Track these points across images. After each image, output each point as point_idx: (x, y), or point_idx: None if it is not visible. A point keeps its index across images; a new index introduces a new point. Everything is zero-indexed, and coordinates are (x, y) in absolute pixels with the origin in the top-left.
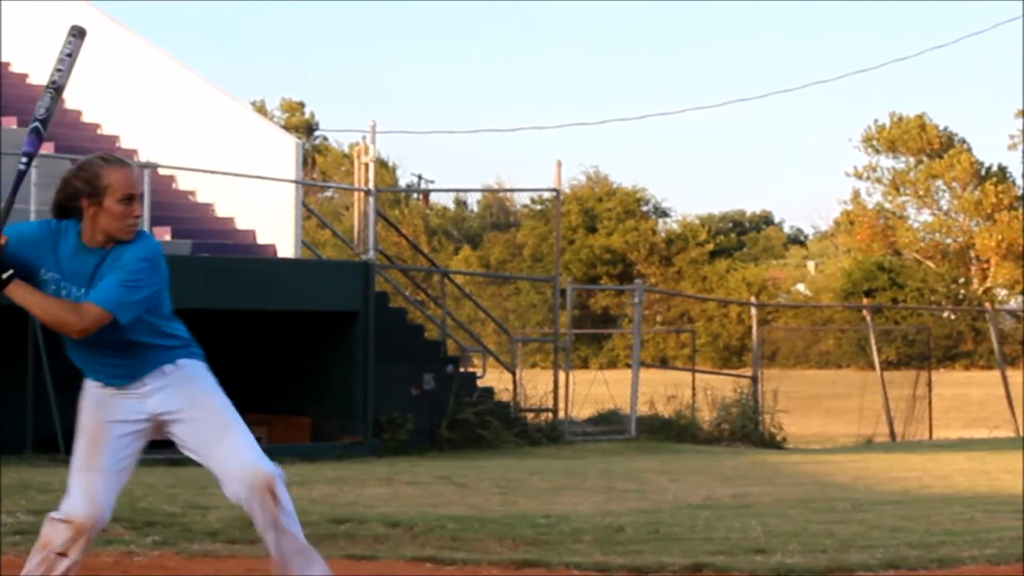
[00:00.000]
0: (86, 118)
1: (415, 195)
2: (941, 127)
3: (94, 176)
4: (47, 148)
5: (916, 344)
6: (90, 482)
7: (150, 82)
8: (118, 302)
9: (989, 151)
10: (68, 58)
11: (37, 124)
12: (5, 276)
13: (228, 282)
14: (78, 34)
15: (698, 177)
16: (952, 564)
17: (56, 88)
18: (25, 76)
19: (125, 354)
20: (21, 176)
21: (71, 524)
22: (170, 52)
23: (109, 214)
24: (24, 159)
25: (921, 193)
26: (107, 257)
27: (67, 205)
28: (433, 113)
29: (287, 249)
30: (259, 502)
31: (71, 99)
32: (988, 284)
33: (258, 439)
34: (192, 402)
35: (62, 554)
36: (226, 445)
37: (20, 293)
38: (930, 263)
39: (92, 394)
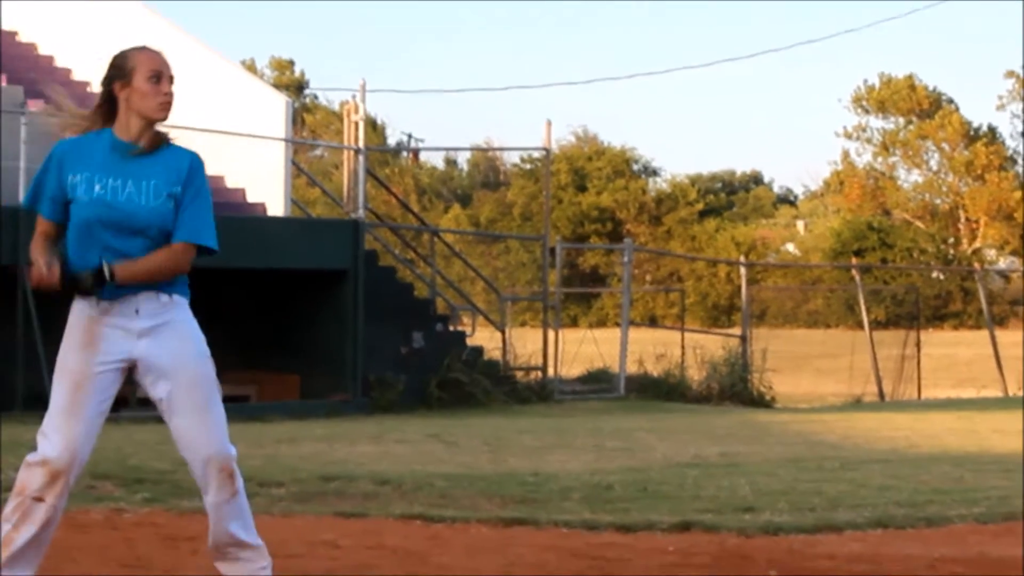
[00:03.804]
0: (76, 76)
1: (404, 154)
2: (930, 87)
3: (122, 59)
4: (37, 106)
5: (905, 304)
6: (71, 425)
7: (140, 41)
8: (210, 231)
9: (978, 111)
10: None
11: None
12: (106, 272)
13: (218, 241)
14: None
15: (688, 137)
16: (940, 523)
17: None
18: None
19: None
20: None
21: (48, 467)
22: (159, 10)
23: (139, 93)
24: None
25: (911, 153)
26: (159, 161)
27: (106, 99)
28: (423, 72)
29: (277, 208)
30: (216, 484)
31: (63, 59)
32: (977, 244)
33: (247, 397)
34: (181, 363)
35: (39, 499)
36: (201, 420)
37: (126, 273)
38: (920, 223)
39: (79, 327)
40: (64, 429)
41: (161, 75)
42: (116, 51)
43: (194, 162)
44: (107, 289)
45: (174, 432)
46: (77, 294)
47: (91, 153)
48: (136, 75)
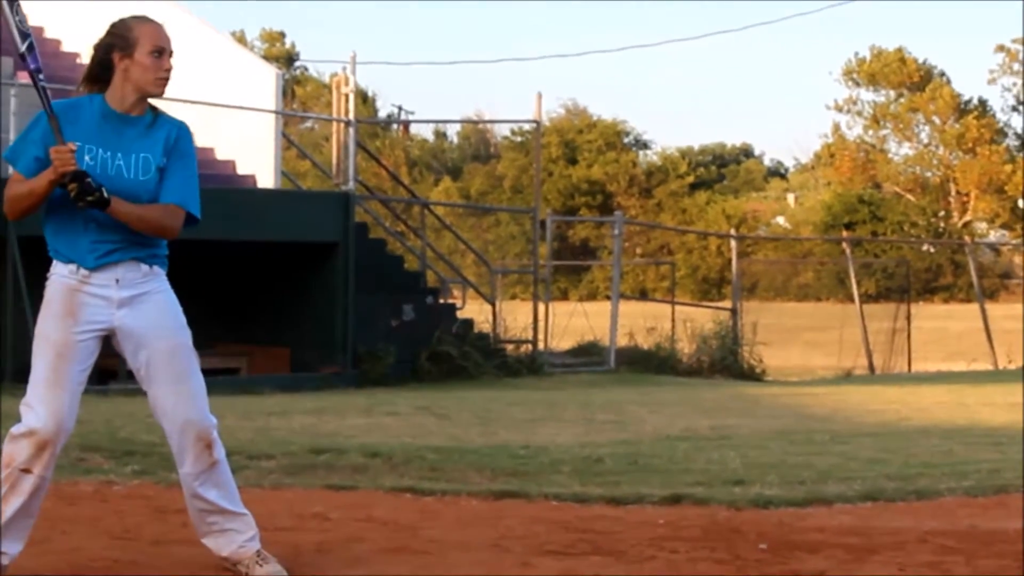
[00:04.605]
0: (65, 47)
1: (395, 126)
2: (921, 60)
3: (124, 29)
4: (26, 77)
5: (896, 277)
6: (55, 395)
7: (131, 11)
8: (196, 200)
9: (969, 84)
10: None
11: (31, 40)
12: (107, 195)
13: (208, 213)
14: None
15: (679, 109)
16: (930, 496)
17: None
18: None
19: (116, 229)
20: (45, 90)
21: (34, 438)
22: None
23: (140, 66)
24: (40, 75)
25: (902, 126)
26: (148, 130)
27: (100, 65)
28: (413, 44)
29: (267, 180)
30: (194, 455)
31: (50, 29)
32: (968, 217)
33: (237, 370)
34: (158, 333)
35: (26, 470)
36: (178, 389)
37: (119, 208)
38: (910, 196)
39: (59, 297)
40: (48, 399)
41: (163, 51)
42: (116, 19)
43: (181, 130)
44: (97, 257)
45: (152, 402)
46: (72, 190)
47: (83, 120)
48: (138, 48)
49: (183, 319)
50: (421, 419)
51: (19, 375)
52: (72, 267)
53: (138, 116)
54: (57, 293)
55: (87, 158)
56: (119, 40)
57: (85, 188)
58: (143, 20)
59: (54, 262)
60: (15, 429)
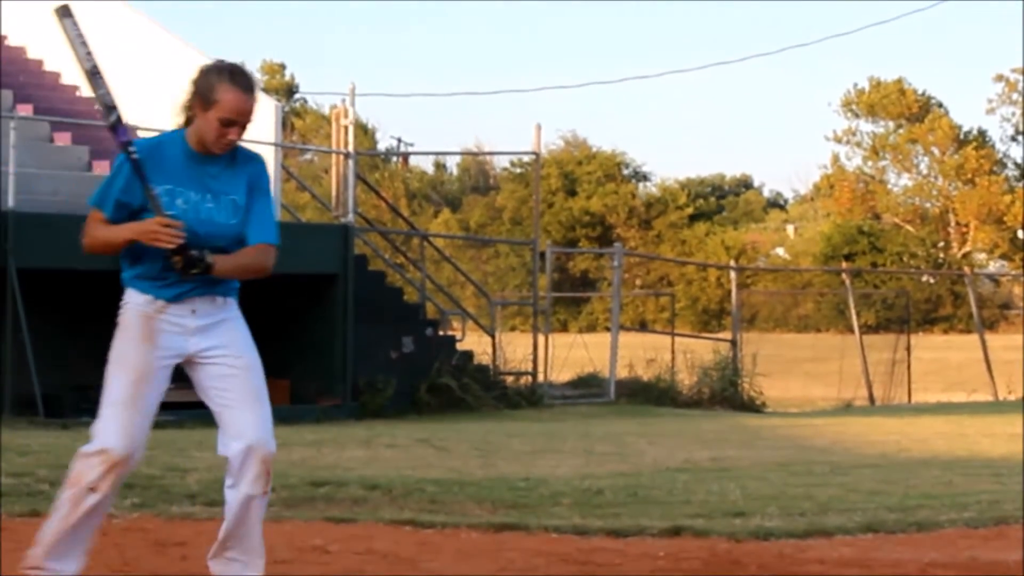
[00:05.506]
0: (64, 80)
1: (394, 158)
2: (920, 91)
3: (208, 87)
4: (26, 110)
5: (895, 308)
6: (130, 417)
7: (129, 45)
8: (277, 231)
9: (967, 115)
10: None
11: (118, 114)
12: (209, 260)
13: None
14: (66, 14)
15: (678, 141)
16: (930, 527)
17: (95, 71)
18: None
19: None
20: (137, 163)
21: (105, 457)
22: (149, 14)
23: (208, 125)
24: (131, 148)
25: (901, 157)
26: (230, 169)
27: (185, 105)
28: (413, 76)
29: None
30: (253, 475)
31: (49, 62)
32: (967, 248)
33: None
34: (237, 349)
35: (93, 489)
36: (251, 409)
37: (222, 268)
38: (910, 227)
39: (137, 323)
40: (124, 420)
41: (234, 123)
42: (212, 64)
43: (261, 166)
44: (178, 292)
45: (223, 416)
46: (176, 263)
47: (168, 160)
48: (213, 110)
49: (254, 345)
50: (420, 451)
51: (18, 407)
52: (149, 298)
53: (217, 155)
54: (134, 319)
55: (179, 201)
56: (201, 92)
57: (189, 261)
58: (232, 85)
59: (128, 290)
60: (86, 448)
